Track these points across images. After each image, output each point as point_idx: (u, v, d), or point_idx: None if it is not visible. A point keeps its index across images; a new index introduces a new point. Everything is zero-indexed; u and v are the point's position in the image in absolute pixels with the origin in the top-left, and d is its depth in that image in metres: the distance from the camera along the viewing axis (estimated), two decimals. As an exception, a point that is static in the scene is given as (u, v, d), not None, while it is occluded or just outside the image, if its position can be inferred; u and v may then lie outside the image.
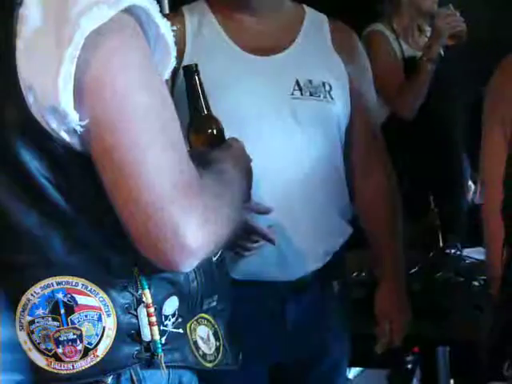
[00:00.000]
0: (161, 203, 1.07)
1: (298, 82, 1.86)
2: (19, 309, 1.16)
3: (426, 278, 2.37)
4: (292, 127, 1.84)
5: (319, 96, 1.87)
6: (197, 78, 1.47)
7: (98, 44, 1.07)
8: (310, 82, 1.87)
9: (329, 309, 1.98)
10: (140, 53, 1.11)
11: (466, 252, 2.50)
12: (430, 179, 3.16)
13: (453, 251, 2.54)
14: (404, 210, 2.48)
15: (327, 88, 1.89)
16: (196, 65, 1.47)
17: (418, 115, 3.17)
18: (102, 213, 1.14)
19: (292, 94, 1.85)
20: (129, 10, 1.11)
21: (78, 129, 1.08)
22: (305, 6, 2.02)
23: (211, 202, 1.13)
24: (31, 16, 1.09)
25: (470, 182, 3.36)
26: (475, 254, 2.44)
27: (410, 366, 2.67)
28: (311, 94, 1.87)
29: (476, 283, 2.21)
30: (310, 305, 1.93)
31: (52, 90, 1.06)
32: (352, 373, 3.43)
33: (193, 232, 1.08)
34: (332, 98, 1.89)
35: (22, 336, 1.16)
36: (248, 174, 1.39)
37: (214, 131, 1.48)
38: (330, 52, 1.95)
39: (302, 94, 1.86)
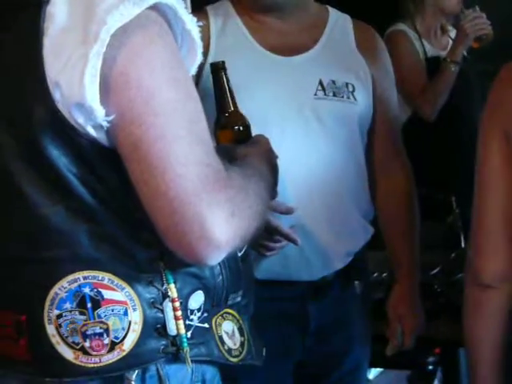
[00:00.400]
0: (187, 197, 1.08)
1: (321, 82, 1.87)
2: (47, 303, 1.17)
3: (447, 279, 2.35)
4: (315, 127, 1.84)
5: (342, 96, 1.88)
6: (224, 74, 1.48)
7: (124, 41, 1.09)
8: (334, 82, 1.87)
9: (351, 309, 1.99)
10: (167, 49, 1.13)
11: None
12: (452, 180, 3.15)
13: (475, 252, 2.52)
14: (426, 210, 2.49)
15: (350, 89, 1.89)
16: (223, 62, 1.48)
17: (440, 115, 3.16)
18: (128, 207, 1.16)
19: (315, 94, 1.86)
20: (155, 7, 1.12)
21: (105, 124, 1.10)
22: (328, 7, 2.02)
23: (238, 195, 1.14)
24: (58, 14, 1.11)
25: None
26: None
27: (431, 368, 2.67)
28: (334, 95, 1.87)
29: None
30: (332, 305, 1.93)
31: (78, 87, 1.08)
32: (372, 373, 3.42)
33: (219, 225, 1.09)
34: (355, 99, 1.89)
35: (51, 329, 1.17)
36: (274, 170, 1.40)
37: (241, 127, 1.49)
38: (354, 53, 1.96)
39: (325, 95, 1.86)
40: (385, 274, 2.45)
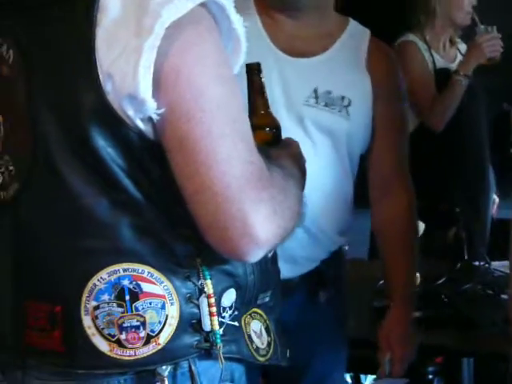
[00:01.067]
0: (231, 193, 1.09)
1: (316, 90, 1.86)
2: (85, 294, 1.16)
3: (452, 289, 2.36)
4: (295, 132, 1.77)
5: (334, 109, 1.86)
6: (259, 76, 1.48)
7: (176, 35, 1.09)
8: (329, 92, 1.86)
9: (315, 318, 1.95)
10: (215, 46, 1.14)
11: (495, 265, 2.50)
12: (457, 192, 3.17)
13: (481, 263, 2.53)
14: (431, 221, 2.51)
15: (346, 103, 1.87)
16: (259, 64, 1.48)
17: (446, 127, 3.18)
18: (169, 201, 1.16)
19: (307, 100, 1.85)
20: (205, 4, 1.13)
21: (155, 117, 1.10)
22: (351, 19, 1.99)
23: (279, 195, 1.15)
24: (112, 5, 1.12)
25: (495, 196, 3.37)
26: (504, 267, 2.44)
27: (430, 377, 2.68)
28: (326, 105, 1.86)
29: (505, 296, 2.20)
30: (294, 311, 1.89)
31: (132, 79, 1.08)
32: (368, 381, 3.43)
33: (261, 223, 1.10)
34: (348, 114, 1.87)
35: (87, 321, 1.17)
36: (304, 173, 1.40)
37: (274, 130, 1.49)
38: (361, 69, 1.93)
39: (316, 103, 1.85)
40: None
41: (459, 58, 3.24)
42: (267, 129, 1.48)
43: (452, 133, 3.19)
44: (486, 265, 2.52)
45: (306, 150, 1.77)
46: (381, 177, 1.99)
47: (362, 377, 3.22)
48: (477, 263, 2.56)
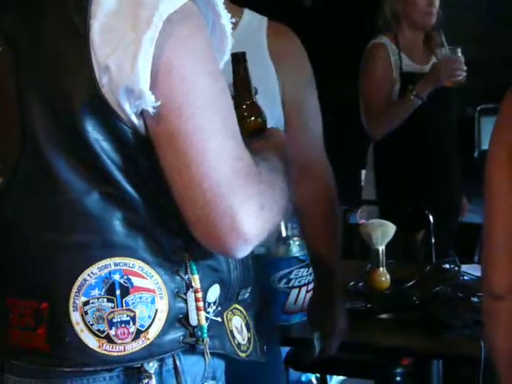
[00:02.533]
0: (221, 189, 1.10)
1: None
2: (74, 289, 1.15)
3: (422, 291, 2.38)
4: None
5: None
6: (244, 66, 1.46)
7: (169, 30, 1.09)
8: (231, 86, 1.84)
9: None
10: (206, 43, 1.15)
11: (465, 268, 2.52)
12: (427, 195, 3.18)
13: (451, 266, 2.55)
14: (400, 223, 2.52)
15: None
16: (244, 53, 1.46)
17: (416, 128, 3.17)
18: (158, 196, 1.16)
19: None
20: None
21: (151, 110, 1.10)
22: (246, 9, 1.94)
23: (266, 190, 1.16)
24: None
25: (464, 200, 3.40)
26: (473, 270, 2.47)
27: (399, 379, 2.70)
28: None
29: (475, 299, 2.22)
30: None
31: (130, 71, 1.08)
32: (334, 381, 3.44)
33: (250, 219, 1.12)
34: None
35: (75, 317, 1.16)
36: (288, 164, 1.40)
37: (258, 119, 1.48)
38: (263, 55, 1.90)
39: None
40: (361, 283, 2.47)
41: (433, 61, 3.24)
42: (253, 118, 1.48)
43: (419, 136, 3.20)
44: (456, 268, 2.54)
45: None
46: (295, 161, 1.94)
47: (328, 377, 3.23)
48: (447, 266, 2.58)
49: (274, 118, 1.89)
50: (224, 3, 1.18)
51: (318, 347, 1.97)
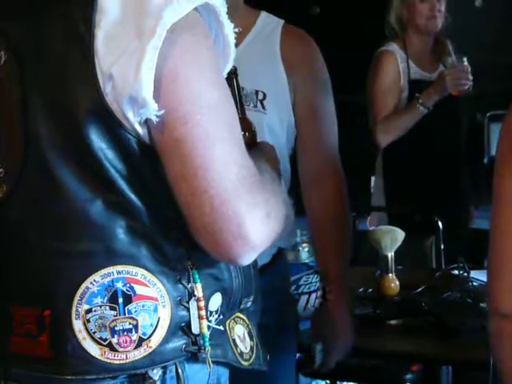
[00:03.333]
0: (227, 196, 1.10)
1: None
2: (77, 297, 1.15)
3: (432, 297, 2.38)
4: None
5: (249, 104, 1.83)
6: (235, 80, 1.47)
7: (173, 38, 1.10)
8: (242, 89, 1.83)
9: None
10: (211, 52, 1.15)
11: (474, 274, 2.52)
12: (436, 201, 3.18)
13: (460, 272, 2.56)
14: (409, 229, 2.52)
15: (260, 97, 1.85)
16: (235, 67, 1.47)
17: (425, 135, 3.17)
18: (161, 204, 1.16)
19: None
20: (197, 8, 1.13)
21: (154, 118, 1.10)
22: (263, 11, 1.93)
23: (271, 198, 1.17)
24: (111, 7, 1.12)
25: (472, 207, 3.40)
26: (482, 276, 2.46)
27: (408, 385, 2.70)
28: None
29: (483, 305, 2.22)
30: None
31: (134, 79, 1.08)
32: (344, 388, 3.43)
33: (256, 226, 1.11)
34: (264, 108, 1.85)
35: (78, 325, 1.16)
36: (281, 176, 1.41)
37: (251, 134, 1.49)
38: (274, 59, 1.88)
39: None
40: (370, 290, 2.47)
41: (441, 69, 3.24)
42: (245, 133, 1.49)
43: (428, 143, 3.20)
44: (465, 274, 2.54)
45: None
46: (307, 165, 1.95)
47: (338, 383, 3.22)
48: (456, 272, 2.58)
49: (284, 122, 1.89)
50: (234, 9, 1.17)
51: (319, 360, 1.95)
